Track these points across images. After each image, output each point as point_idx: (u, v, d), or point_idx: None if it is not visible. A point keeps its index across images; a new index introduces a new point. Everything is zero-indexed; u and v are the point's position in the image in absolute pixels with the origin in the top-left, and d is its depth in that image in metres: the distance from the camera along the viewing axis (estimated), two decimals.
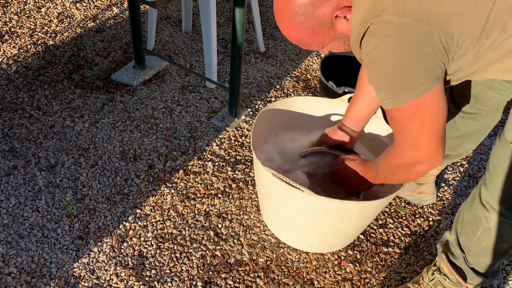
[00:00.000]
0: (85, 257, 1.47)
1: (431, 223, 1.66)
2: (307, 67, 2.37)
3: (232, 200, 1.67)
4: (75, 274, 1.42)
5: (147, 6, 2.61)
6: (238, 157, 1.84)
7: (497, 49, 0.94)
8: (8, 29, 2.40)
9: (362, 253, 1.54)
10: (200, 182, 1.73)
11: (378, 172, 1.23)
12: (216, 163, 1.81)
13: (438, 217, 1.68)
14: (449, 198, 1.76)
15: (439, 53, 0.90)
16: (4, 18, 2.47)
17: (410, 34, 0.88)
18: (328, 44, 1.05)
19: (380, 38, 0.90)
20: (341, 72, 1.92)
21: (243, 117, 2.02)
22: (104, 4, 2.67)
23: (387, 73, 0.94)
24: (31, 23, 2.46)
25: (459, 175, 1.85)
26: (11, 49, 2.27)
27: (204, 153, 1.84)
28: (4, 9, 2.54)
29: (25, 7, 2.58)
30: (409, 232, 1.62)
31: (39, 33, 2.39)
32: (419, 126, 0.99)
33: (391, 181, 1.26)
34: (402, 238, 1.60)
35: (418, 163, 1.05)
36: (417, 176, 1.12)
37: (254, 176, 1.76)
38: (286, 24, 1.01)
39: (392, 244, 1.58)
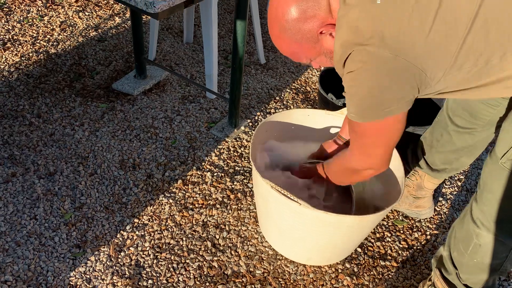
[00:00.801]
0: (82, 266, 1.46)
1: (428, 237, 1.66)
2: (307, 80, 2.38)
3: (230, 211, 1.68)
4: (71, 283, 1.42)
5: (148, 17, 2.63)
6: (237, 168, 1.85)
7: (471, 79, 0.99)
8: (10, 37, 2.41)
9: (359, 266, 1.54)
10: (198, 192, 1.74)
11: (330, 173, 1.36)
12: (215, 174, 1.81)
13: (436, 231, 1.68)
14: (447, 212, 1.76)
15: (410, 86, 0.98)
16: (7, 25, 2.49)
17: (387, 66, 0.95)
18: (316, 58, 1.11)
19: (361, 65, 0.97)
20: (340, 85, 1.93)
21: (242, 128, 2.03)
22: (106, 13, 2.70)
23: (361, 94, 1.02)
24: (34, 31, 2.48)
25: (457, 189, 1.85)
26: (13, 56, 2.29)
27: (203, 163, 1.85)
28: (7, 17, 2.56)
29: (28, 15, 2.60)
30: (407, 246, 1.62)
31: (41, 41, 2.41)
32: (374, 141, 1.11)
33: (341, 182, 1.37)
34: (400, 252, 1.60)
35: (368, 169, 1.19)
36: (364, 179, 1.26)
37: (252, 187, 1.77)
38: (277, 38, 1.09)
39: (390, 257, 1.58)
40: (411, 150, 1.63)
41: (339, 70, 1.05)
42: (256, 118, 2.11)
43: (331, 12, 1.01)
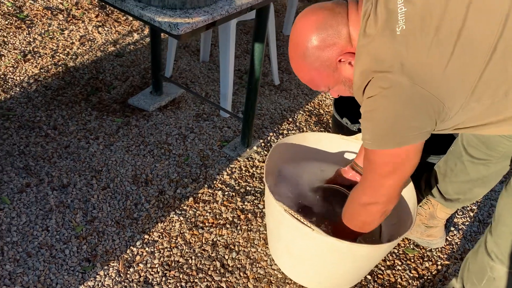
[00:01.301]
0: (91, 280, 1.46)
1: (439, 267, 1.64)
2: (320, 102, 2.40)
3: (240, 232, 1.67)
4: None
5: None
6: (248, 188, 1.85)
7: (488, 112, 0.99)
8: (31, 49, 2.46)
9: None
10: (209, 211, 1.74)
11: (345, 216, 1.28)
12: (226, 193, 1.82)
13: (447, 262, 1.66)
14: (458, 242, 1.74)
15: (428, 115, 0.98)
16: (28, 38, 2.55)
17: (405, 93, 0.96)
18: (335, 87, 1.13)
19: (380, 90, 0.98)
20: (355, 109, 1.94)
21: (255, 148, 2.04)
22: (125, 30, 2.75)
23: (378, 120, 1.02)
24: (54, 44, 2.53)
25: (469, 220, 1.84)
26: (33, 68, 2.33)
27: (215, 182, 1.86)
28: (29, 29, 2.62)
29: (49, 28, 2.66)
30: (417, 275, 1.61)
31: (60, 54, 2.46)
32: (386, 173, 1.09)
33: (353, 225, 1.27)
34: (410, 281, 1.58)
35: (375, 203, 1.15)
36: (374, 218, 1.20)
37: (263, 208, 1.77)
38: (296, 65, 1.11)
39: (399, 286, 1.56)
40: (424, 179, 1.62)
41: (359, 98, 1.06)
42: (269, 138, 2.12)
43: (350, 42, 1.03)
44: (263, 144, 2.08)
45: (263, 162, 1.98)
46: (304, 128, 2.21)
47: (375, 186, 1.13)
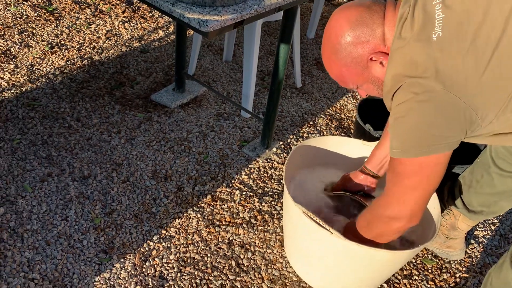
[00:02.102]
0: (107, 272, 1.47)
1: (457, 279, 1.61)
2: (342, 107, 2.38)
3: (256, 232, 1.67)
4: None
5: (191, 32, 2.70)
6: (266, 189, 1.85)
7: None
8: (58, 41, 2.51)
9: None
10: (226, 209, 1.74)
11: (361, 225, 1.24)
12: (244, 193, 1.81)
13: (466, 275, 1.63)
14: (478, 256, 1.71)
15: (459, 124, 0.95)
16: (56, 30, 2.59)
17: (438, 100, 0.93)
18: (363, 85, 1.10)
19: (412, 95, 0.96)
20: (378, 116, 1.92)
21: (274, 149, 2.04)
22: (150, 26, 2.78)
23: (408, 126, 0.99)
24: (81, 37, 2.57)
25: (490, 234, 1.80)
26: (59, 60, 2.37)
27: (233, 181, 1.86)
28: (57, 22, 2.67)
29: (76, 22, 2.70)
30: (434, 287, 1.58)
31: (86, 48, 2.49)
32: (413, 184, 1.05)
33: (368, 235, 1.23)
34: None
35: (398, 218, 1.10)
36: (392, 233, 1.15)
37: (280, 209, 1.76)
38: (327, 59, 1.10)
39: None
40: (447, 188, 1.59)
41: (387, 103, 1.04)
42: (289, 141, 2.11)
43: (384, 42, 1.01)
44: (282, 146, 2.07)
45: (282, 164, 1.98)
46: (325, 132, 2.19)
47: (401, 199, 1.08)
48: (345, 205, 1.55)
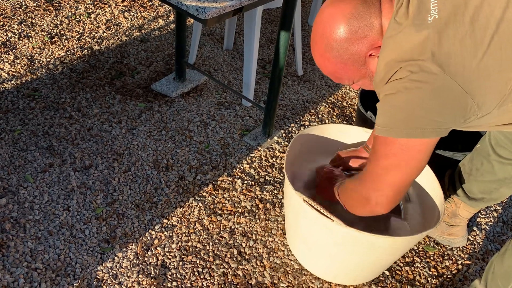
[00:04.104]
0: (109, 261, 1.48)
1: (459, 266, 1.61)
2: (344, 95, 2.37)
3: (258, 221, 1.67)
4: (98, 277, 1.44)
5: (192, 21, 2.68)
6: (267, 178, 1.84)
7: None
8: (58, 31, 2.49)
9: None
10: (228, 198, 1.74)
11: (342, 197, 1.24)
12: (245, 181, 1.81)
13: (468, 262, 1.63)
14: (481, 243, 1.70)
15: (453, 110, 0.91)
16: (55, 20, 2.58)
17: (433, 83, 0.89)
18: (359, 81, 1.07)
19: (407, 74, 0.92)
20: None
21: (275, 138, 2.03)
22: (150, 15, 2.76)
23: (398, 103, 0.95)
24: (80, 27, 2.56)
25: (493, 220, 1.79)
26: (59, 50, 2.36)
27: (234, 170, 1.85)
28: (57, 12, 2.65)
29: (76, 11, 2.68)
30: (436, 274, 1.58)
31: (86, 38, 2.48)
32: (387, 166, 1.01)
33: (349, 207, 1.22)
34: (429, 279, 1.56)
35: (369, 199, 1.07)
36: (364, 211, 1.14)
37: (281, 198, 1.76)
38: (320, 56, 1.04)
39: (418, 284, 1.54)
40: (448, 176, 1.59)
41: (379, 90, 1.00)
42: (290, 129, 2.10)
43: (382, 34, 0.97)
44: (284, 134, 2.06)
45: (284, 152, 1.97)
46: (326, 120, 2.18)
47: (375, 179, 1.05)
48: None
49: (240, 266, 1.52)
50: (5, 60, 2.24)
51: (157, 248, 1.54)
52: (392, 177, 1.02)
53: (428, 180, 1.46)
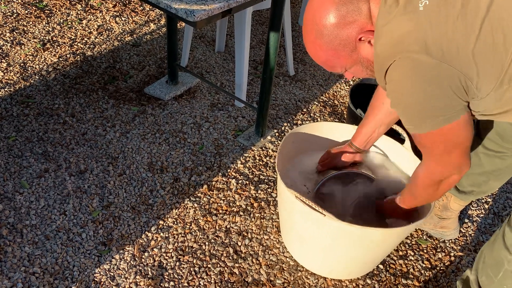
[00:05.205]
0: (107, 263, 1.50)
1: (452, 258, 1.64)
2: (335, 93, 2.39)
3: (253, 219, 1.69)
4: (96, 279, 1.45)
5: (183, 24, 2.70)
6: (261, 177, 1.87)
7: None
8: (50, 38, 2.51)
9: (380, 283, 1.53)
10: (223, 198, 1.76)
11: (415, 196, 1.26)
12: (240, 181, 1.83)
13: (460, 253, 1.66)
14: (472, 234, 1.73)
15: (458, 92, 0.94)
16: (47, 27, 2.59)
17: (430, 72, 0.91)
18: (351, 68, 1.07)
19: (404, 70, 0.94)
20: (369, 100, 1.94)
21: (268, 137, 2.05)
22: (142, 20, 2.78)
23: (407, 103, 0.99)
24: (72, 33, 2.57)
25: (484, 212, 1.82)
26: (52, 57, 2.38)
27: (229, 170, 1.87)
28: (48, 18, 2.67)
29: (67, 18, 2.70)
30: (430, 266, 1.60)
31: (78, 44, 2.50)
32: (443, 149, 1.05)
33: (429, 200, 1.27)
34: (422, 272, 1.58)
35: (450, 175, 1.11)
36: (451, 186, 1.16)
37: (276, 196, 1.78)
38: (311, 44, 1.05)
39: (412, 276, 1.56)
40: None
41: (381, 82, 1.02)
42: (283, 128, 2.12)
43: (371, 19, 0.97)
44: (277, 134, 2.09)
45: (277, 151, 1.99)
46: (319, 119, 2.21)
47: (442, 164, 1.09)
48: (343, 183, 1.55)
49: (236, 265, 1.54)
50: None
51: (154, 249, 1.56)
52: (455, 153, 1.06)
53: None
